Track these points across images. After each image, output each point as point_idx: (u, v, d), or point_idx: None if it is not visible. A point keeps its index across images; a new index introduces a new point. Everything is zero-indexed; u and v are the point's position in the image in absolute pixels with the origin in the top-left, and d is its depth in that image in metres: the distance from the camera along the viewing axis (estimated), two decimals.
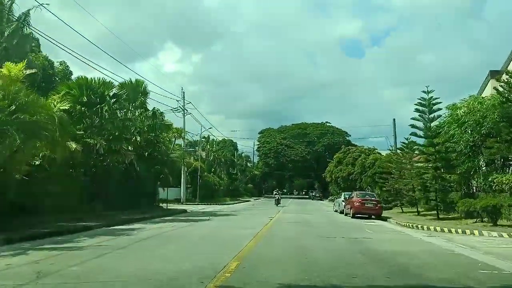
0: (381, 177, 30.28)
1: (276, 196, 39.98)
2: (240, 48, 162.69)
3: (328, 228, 16.94)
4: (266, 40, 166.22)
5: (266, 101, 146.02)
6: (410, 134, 23.23)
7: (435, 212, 22.35)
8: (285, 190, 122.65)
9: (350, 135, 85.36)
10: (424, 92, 22.43)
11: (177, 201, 41.79)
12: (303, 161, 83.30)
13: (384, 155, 36.63)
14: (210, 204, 41.57)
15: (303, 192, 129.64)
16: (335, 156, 45.99)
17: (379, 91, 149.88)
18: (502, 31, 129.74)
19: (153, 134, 23.94)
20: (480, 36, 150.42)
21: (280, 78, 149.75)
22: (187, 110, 43.25)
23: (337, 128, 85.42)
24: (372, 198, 24.37)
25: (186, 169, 43.53)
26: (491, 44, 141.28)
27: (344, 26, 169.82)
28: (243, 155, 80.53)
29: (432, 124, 22.26)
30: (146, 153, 24.50)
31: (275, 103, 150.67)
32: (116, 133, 19.44)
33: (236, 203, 48.37)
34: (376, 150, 42.47)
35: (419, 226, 18.22)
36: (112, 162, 20.38)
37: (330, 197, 66.69)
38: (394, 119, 35.97)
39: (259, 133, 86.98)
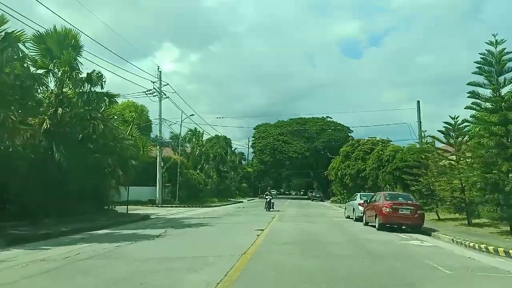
0: (408, 173, 22.39)
1: (267, 198, 29.71)
2: (239, 49, 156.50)
3: (356, 261, 9.00)
4: (264, 41, 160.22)
5: (265, 102, 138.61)
6: (466, 108, 15.27)
7: (494, 220, 14.80)
8: (282, 190, 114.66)
9: (352, 131, 77.56)
10: (489, 43, 14.62)
11: (152, 202, 33.92)
12: (301, 158, 75.42)
13: (406, 146, 28.89)
14: (192, 207, 33.83)
15: (301, 192, 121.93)
16: (341, 150, 38.08)
17: (378, 91, 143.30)
18: (501, 31, 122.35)
19: (87, 108, 15.96)
20: (479, 36, 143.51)
21: (278, 79, 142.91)
22: (164, 94, 35.33)
23: (338, 123, 77.58)
24: (409, 202, 16.46)
25: (162, 164, 35.65)
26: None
27: (342, 26, 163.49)
28: (236, 151, 72.58)
29: (504, 91, 14.43)
30: (80, 135, 16.58)
31: (274, 104, 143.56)
32: None
33: (224, 204, 40.53)
34: (391, 142, 34.68)
35: (499, 250, 10.57)
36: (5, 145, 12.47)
37: (332, 197, 58.89)
38: (418, 101, 28.22)
39: (254, 128, 79.11)
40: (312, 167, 78.74)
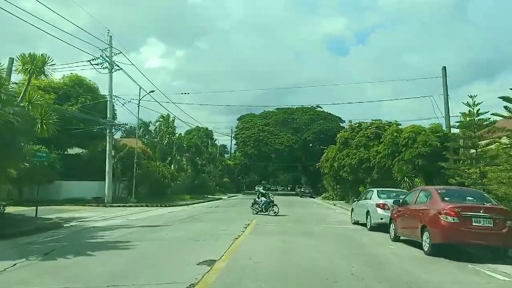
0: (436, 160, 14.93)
1: (261, 199, 20.35)
2: (226, 45, 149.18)
3: None
4: (251, 37, 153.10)
5: (251, 98, 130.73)
6: None
7: None
8: (269, 186, 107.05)
9: (344, 121, 70.27)
10: None
11: (99, 201, 26.05)
12: (289, 151, 67.94)
13: (428, 126, 21.44)
14: (151, 206, 26.35)
15: (289, 188, 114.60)
16: (339, 135, 30.40)
17: (364, 88, 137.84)
18: (487, 30, 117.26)
19: None
20: (465, 35, 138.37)
21: (265, 75, 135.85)
22: (116, 64, 27.37)
23: (329, 113, 70.22)
24: (488, 205, 8.88)
25: (114, 153, 27.72)
26: (477, 43, 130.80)
27: (329, 24, 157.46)
28: (217, 143, 64.78)
29: None
30: None
31: (260, 100, 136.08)
32: None
33: (197, 203, 32.85)
34: (400, 126, 27.45)
35: None
36: None
37: (324, 193, 51.59)
38: (444, 67, 20.75)
39: (237, 119, 71.22)
40: (301, 160, 71.40)
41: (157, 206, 26.97)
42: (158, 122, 42.87)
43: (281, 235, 11.76)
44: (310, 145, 72.49)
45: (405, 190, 16.00)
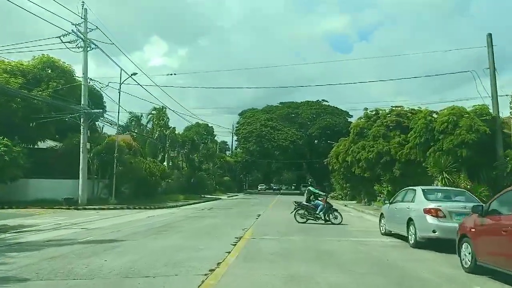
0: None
1: (316, 202, 14.87)
2: (227, 43, 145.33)
3: None
4: (252, 35, 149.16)
5: (253, 96, 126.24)
6: None
7: None
8: (272, 184, 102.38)
9: (352, 116, 65.69)
10: None
11: (71, 202, 21.78)
12: (293, 148, 63.40)
13: (470, 108, 16.79)
14: (135, 208, 22.49)
15: (293, 187, 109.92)
16: (352, 125, 25.63)
17: (367, 86, 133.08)
18: (487, 27, 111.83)
19: None
20: (465, 32, 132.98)
21: (267, 73, 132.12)
22: (92, 43, 23.08)
23: (335, 107, 65.61)
24: None
25: (90, 147, 23.42)
26: (477, 40, 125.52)
27: (331, 21, 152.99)
28: (216, 139, 60.40)
29: None
30: None
31: (261, 98, 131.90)
32: None
33: (189, 204, 28.53)
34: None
35: None
36: None
37: (333, 193, 47.04)
38: (490, 34, 16.24)
39: (239, 114, 66.76)
40: (305, 157, 66.88)
41: (140, 208, 22.70)
42: (150, 115, 38.56)
43: (285, 262, 7.36)
44: (316, 141, 67.96)
45: (463, 190, 11.48)
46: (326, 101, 66.83)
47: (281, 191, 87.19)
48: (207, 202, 31.93)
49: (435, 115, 17.34)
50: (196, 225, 13.80)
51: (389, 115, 23.52)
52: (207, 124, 67.39)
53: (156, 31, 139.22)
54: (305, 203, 14.86)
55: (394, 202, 11.40)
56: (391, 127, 23.13)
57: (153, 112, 37.75)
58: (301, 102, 67.26)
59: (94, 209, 21.47)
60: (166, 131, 36.40)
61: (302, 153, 66.36)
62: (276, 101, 70.57)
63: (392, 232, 11.28)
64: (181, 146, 40.17)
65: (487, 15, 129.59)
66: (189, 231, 11.72)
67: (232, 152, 65.79)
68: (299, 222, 14.44)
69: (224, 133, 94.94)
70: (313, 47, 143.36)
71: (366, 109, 25.00)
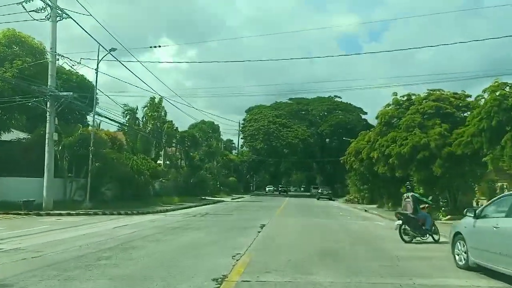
0: None
1: (422, 215, 10.56)
2: (236, 43, 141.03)
3: None
4: (262, 35, 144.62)
5: (263, 97, 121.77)
6: None
7: None
8: (281, 186, 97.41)
9: (366, 113, 60.80)
10: None
11: (31, 206, 17.38)
12: (303, 147, 58.58)
13: None
14: (110, 214, 18.11)
15: (302, 188, 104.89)
16: (379, 114, 19.99)
17: (376, 86, 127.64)
18: (500, 26, 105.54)
19: None
20: (478, 31, 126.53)
21: (276, 73, 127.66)
22: (62, 11, 18.71)
23: (349, 103, 60.70)
24: None
25: (58, 138, 18.98)
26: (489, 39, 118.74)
27: (341, 21, 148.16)
28: (222, 137, 55.87)
29: None
30: None
31: (272, 99, 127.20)
32: None
33: (184, 208, 24.06)
34: (469, 99, 18.16)
35: None
36: None
37: (347, 196, 42.22)
38: None
39: (246, 111, 62.12)
40: (316, 156, 62.11)
41: (120, 214, 18.28)
42: (147, 105, 33.96)
43: None
44: (327, 140, 63.13)
45: None
46: (339, 97, 62.02)
47: (289, 192, 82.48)
48: (205, 206, 27.41)
49: (508, 89, 12.50)
50: (164, 245, 9.19)
51: (425, 100, 18.71)
52: (213, 122, 63.10)
53: (166, 31, 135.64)
54: (411, 215, 10.46)
55: (487, 216, 6.67)
56: (428, 115, 18.35)
57: (148, 103, 33.30)
58: (312, 98, 62.50)
59: (60, 214, 17.11)
60: (162, 125, 32.01)
61: (312, 152, 61.57)
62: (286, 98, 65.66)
63: (485, 267, 6.52)
64: (180, 142, 35.75)
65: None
66: (138, 264, 7.05)
67: (238, 151, 61.19)
68: (405, 242, 10.38)
69: (232, 132, 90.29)
70: (323, 47, 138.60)
71: (395, 94, 20.20)
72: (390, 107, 19.95)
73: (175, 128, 35.38)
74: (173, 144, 34.75)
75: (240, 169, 58.70)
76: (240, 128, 57.26)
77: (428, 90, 19.10)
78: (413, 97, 19.88)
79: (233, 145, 64.53)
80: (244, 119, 58.43)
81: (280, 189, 65.23)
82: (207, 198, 35.41)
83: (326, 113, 59.07)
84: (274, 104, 63.05)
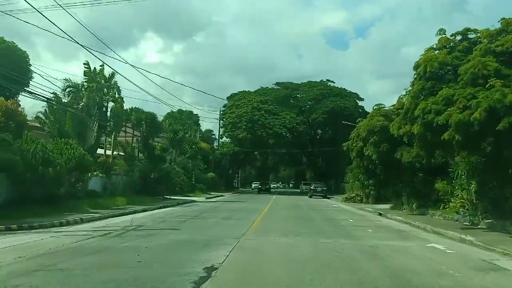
0: None
1: None
2: (223, 39, 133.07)
3: None
4: (249, 31, 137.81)
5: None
6: None
7: None
8: (269, 182, 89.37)
9: (363, 99, 53.19)
10: None
11: None
12: (292, 138, 50.68)
13: None
14: None
15: (291, 185, 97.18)
16: (420, 62, 11.62)
17: (364, 83, 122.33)
18: (486, 23, 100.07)
19: None
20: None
21: (263, 70, 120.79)
22: None
23: (344, 88, 52.90)
24: None
25: None
26: None
27: (328, 17, 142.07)
28: (201, 128, 47.46)
29: None
30: None
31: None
32: None
33: (123, 214, 15.70)
34: None
35: None
36: None
37: (347, 193, 34.29)
38: None
39: (227, 98, 53.61)
40: (306, 147, 54.34)
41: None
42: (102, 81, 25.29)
43: None
44: (319, 131, 55.35)
45: None
46: (332, 81, 54.17)
47: (278, 189, 74.53)
48: (160, 209, 19.28)
49: None
50: None
51: (503, 35, 10.83)
52: (191, 112, 54.73)
53: (151, 26, 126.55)
54: None
55: None
56: (509, 56, 10.47)
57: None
58: (302, 82, 54.55)
59: None
60: (107, 102, 23.70)
61: (302, 144, 53.71)
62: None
63: None
64: (137, 125, 27.43)
65: None
66: None
67: (219, 143, 52.90)
68: None
69: (215, 125, 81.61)
70: (310, 43, 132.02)
71: (442, 31, 12.23)
72: (437, 52, 12.02)
73: (129, 109, 27.09)
74: (125, 128, 26.42)
75: (222, 163, 50.44)
76: (221, 115, 48.99)
77: (503, 18, 11.25)
78: (472, 35, 11.96)
79: (213, 136, 56.16)
80: (224, 105, 50.05)
81: (259, 186, 52.27)
82: (172, 197, 27.25)
83: (318, 98, 51.11)
84: (259, 89, 54.91)
